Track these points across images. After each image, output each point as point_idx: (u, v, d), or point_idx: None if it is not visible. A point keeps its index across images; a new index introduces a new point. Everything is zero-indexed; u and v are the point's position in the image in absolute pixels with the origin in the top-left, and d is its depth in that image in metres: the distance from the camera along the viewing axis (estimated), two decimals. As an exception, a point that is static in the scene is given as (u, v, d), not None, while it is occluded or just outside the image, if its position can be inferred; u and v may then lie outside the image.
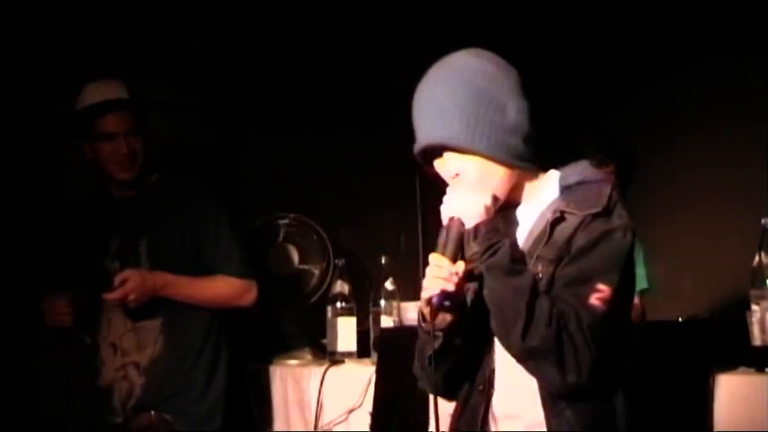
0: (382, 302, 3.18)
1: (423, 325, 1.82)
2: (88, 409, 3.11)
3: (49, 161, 3.45)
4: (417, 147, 1.85)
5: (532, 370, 1.75)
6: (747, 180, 4.07)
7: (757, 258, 2.37)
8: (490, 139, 1.79)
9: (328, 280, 3.57)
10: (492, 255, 1.74)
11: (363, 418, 2.93)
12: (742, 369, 2.43)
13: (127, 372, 3.01)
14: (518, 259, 1.77)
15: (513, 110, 1.81)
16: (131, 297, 2.91)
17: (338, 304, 3.25)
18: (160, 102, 3.46)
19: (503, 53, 1.87)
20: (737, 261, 2.62)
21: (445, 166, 1.83)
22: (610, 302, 1.74)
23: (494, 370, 1.86)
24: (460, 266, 1.77)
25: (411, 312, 3.07)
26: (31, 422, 3.32)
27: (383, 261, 3.26)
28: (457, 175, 1.82)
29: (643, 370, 2.55)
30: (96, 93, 2.99)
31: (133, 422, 2.99)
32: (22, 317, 3.25)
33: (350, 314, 3.24)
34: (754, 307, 2.37)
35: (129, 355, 3.01)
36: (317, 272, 3.72)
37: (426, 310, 1.77)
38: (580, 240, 1.77)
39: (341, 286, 3.29)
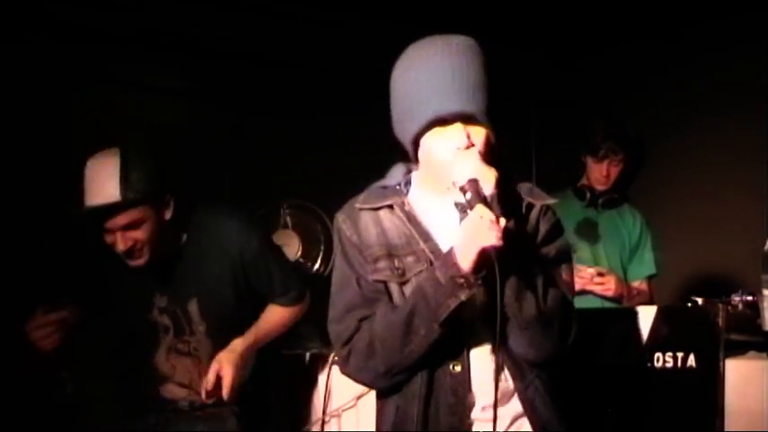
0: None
1: (460, 278, 1.86)
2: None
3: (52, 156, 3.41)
4: (443, 112, 1.91)
5: (538, 337, 1.92)
6: (756, 165, 4.05)
7: (768, 243, 2.36)
8: (496, 120, 1.95)
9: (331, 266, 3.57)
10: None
11: (372, 404, 2.91)
12: (752, 353, 2.42)
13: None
14: None
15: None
16: (234, 384, 2.82)
17: (346, 290, 3.23)
18: (160, 86, 3.44)
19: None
20: (750, 245, 2.60)
21: (461, 134, 1.93)
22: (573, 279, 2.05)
23: (470, 348, 1.97)
24: (502, 223, 1.85)
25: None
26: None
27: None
28: (470, 146, 1.93)
29: (653, 354, 2.56)
30: (93, 187, 2.73)
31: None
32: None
33: (358, 300, 3.23)
34: (766, 292, 2.36)
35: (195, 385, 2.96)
36: (322, 258, 3.72)
37: (469, 260, 1.83)
38: (544, 227, 2.01)
39: (348, 272, 3.27)
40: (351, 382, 3.01)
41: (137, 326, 2.95)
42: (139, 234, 2.76)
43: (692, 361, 2.48)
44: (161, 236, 2.81)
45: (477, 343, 1.97)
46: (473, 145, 1.93)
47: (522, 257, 1.90)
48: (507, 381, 1.98)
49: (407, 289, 1.98)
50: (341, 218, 2.10)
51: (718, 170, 4.16)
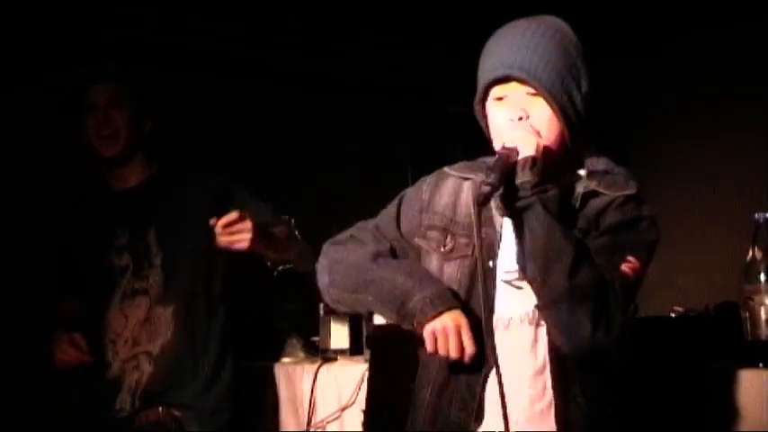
0: (374, 299, 3.16)
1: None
2: (90, 407, 3.05)
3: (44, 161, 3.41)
4: (499, 73, 1.85)
5: (564, 316, 1.73)
6: (740, 174, 4.07)
7: (751, 253, 2.36)
8: (563, 99, 1.84)
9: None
10: (543, 191, 1.76)
11: (356, 416, 2.92)
12: (736, 364, 2.42)
13: (139, 361, 2.96)
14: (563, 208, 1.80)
15: (585, 87, 1.88)
16: (253, 235, 2.67)
17: (330, 302, 3.23)
18: (152, 98, 3.43)
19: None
20: (731, 256, 2.61)
21: (517, 102, 1.85)
22: (638, 274, 1.81)
23: (494, 348, 1.81)
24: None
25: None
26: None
27: (375, 258, 3.23)
28: (521, 118, 1.84)
29: (637, 366, 2.55)
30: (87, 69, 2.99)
31: (141, 418, 2.94)
32: (25, 320, 3.20)
33: (342, 311, 3.23)
34: (749, 302, 2.36)
35: (141, 344, 2.96)
36: (309, 270, 3.70)
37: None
38: (611, 218, 1.84)
39: (333, 283, 3.27)
40: (334, 393, 3.06)
41: (93, 275, 2.99)
42: (118, 117, 2.94)
43: (675, 372, 2.48)
44: (133, 134, 2.96)
45: (501, 344, 1.81)
46: (527, 117, 1.84)
47: (558, 230, 1.74)
48: (545, 391, 1.83)
49: (447, 268, 1.93)
50: (428, 177, 2.06)
51: (702, 179, 4.19)
